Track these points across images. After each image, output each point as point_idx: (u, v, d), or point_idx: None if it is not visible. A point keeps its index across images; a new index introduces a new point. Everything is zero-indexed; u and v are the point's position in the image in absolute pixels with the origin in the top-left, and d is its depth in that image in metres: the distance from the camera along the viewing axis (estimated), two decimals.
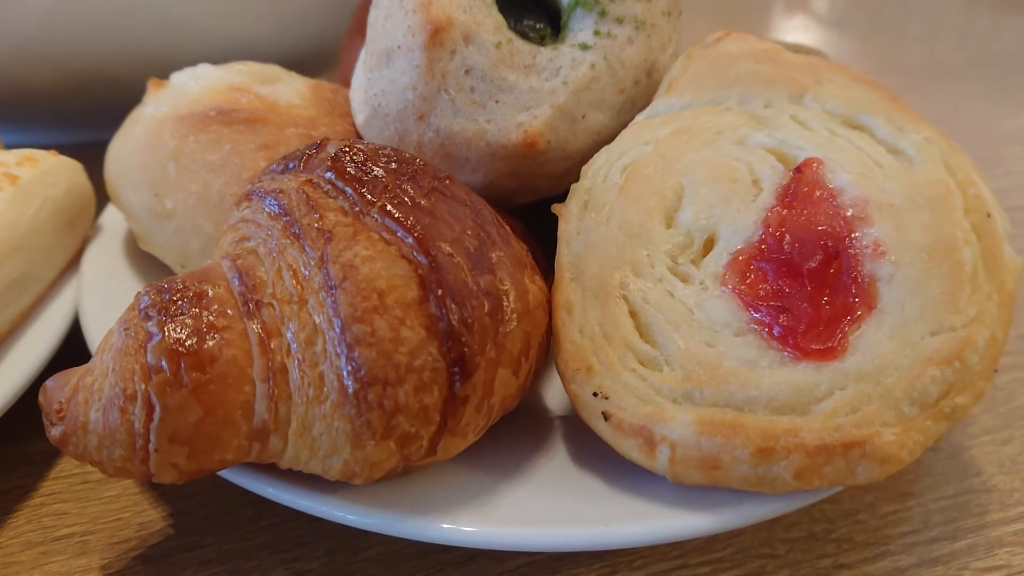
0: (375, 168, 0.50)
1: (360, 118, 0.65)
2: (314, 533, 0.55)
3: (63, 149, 0.98)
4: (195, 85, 0.67)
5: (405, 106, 0.61)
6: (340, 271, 0.45)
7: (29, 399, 0.58)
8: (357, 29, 0.83)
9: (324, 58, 1.08)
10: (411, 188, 0.49)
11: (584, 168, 0.61)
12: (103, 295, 0.64)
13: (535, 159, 0.62)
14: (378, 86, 0.63)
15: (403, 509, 0.48)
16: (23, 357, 0.60)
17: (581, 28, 0.63)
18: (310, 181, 0.49)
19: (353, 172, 0.49)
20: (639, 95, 0.65)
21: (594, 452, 0.53)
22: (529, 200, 0.67)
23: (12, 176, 0.63)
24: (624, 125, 0.64)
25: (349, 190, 0.48)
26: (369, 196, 0.48)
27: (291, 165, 0.52)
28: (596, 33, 0.63)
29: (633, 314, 0.52)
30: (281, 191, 0.49)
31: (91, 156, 0.86)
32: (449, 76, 0.60)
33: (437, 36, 0.60)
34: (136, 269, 0.68)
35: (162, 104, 0.66)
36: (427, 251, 0.46)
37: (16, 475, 0.60)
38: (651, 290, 0.52)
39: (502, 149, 0.61)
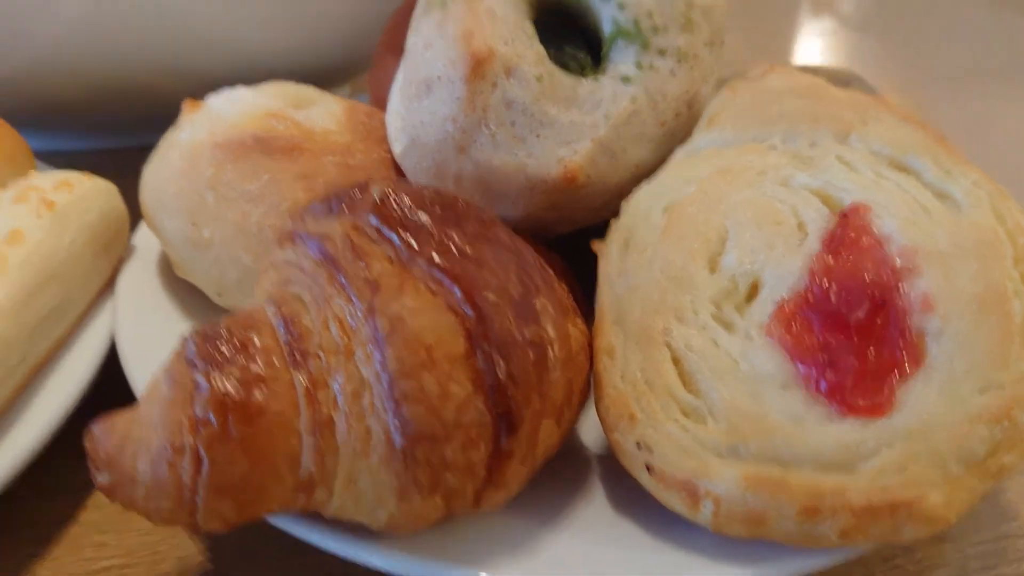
0: (420, 214, 0.49)
1: (398, 147, 0.64)
2: (350, 574, 0.55)
3: (92, 155, 0.99)
4: (232, 110, 0.66)
5: (444, 138, 0.61)
6: (387, 324, 0.45)
7: (66, 425, 0.58)
8: (389, 47, 0.83)
9: (353, 68, 1.08)
10: (456, 235, 0.49)
11: (623, 204, 0.60)
12: (139, 321, 0.64)
13: (574, 193, 0.62)
14: (417, 117, 0.62)
15: (440, 556, 0.48)
16: (62, 386, 0.60)
17: (622, 60, 0.63)
18: (355, 226, 0.49)
19: (398, 218, 0.49)
20: (680, 127, 0.64)
21: (633, 496, 0.53)
22: (566, 231, 0.67)
23: (49, 202, 0.63)
24: (664, 157, 0.64)
25: (395, 237, 0.48)
26: (415, 244, 0.48)
27: (335, 207, 0.51)
28: (638, 66, 0.62)
29: (676, 361, 0.51)
30: (326, 236, 0.49)
31: (120, 163, 0.87)
32: (490, 109, 0.60)
33: (479, 68, 0.59)
34: (171, 292, 0.68)
35: (199, 129, 0.66)
36: (474, 302, 0.46)
37: (55, 503, 0.60)
38: (695, 338, 0.52)
39: (542, 183, 0.61)
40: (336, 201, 0.52)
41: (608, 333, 0.54)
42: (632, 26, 0.62)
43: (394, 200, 0.50)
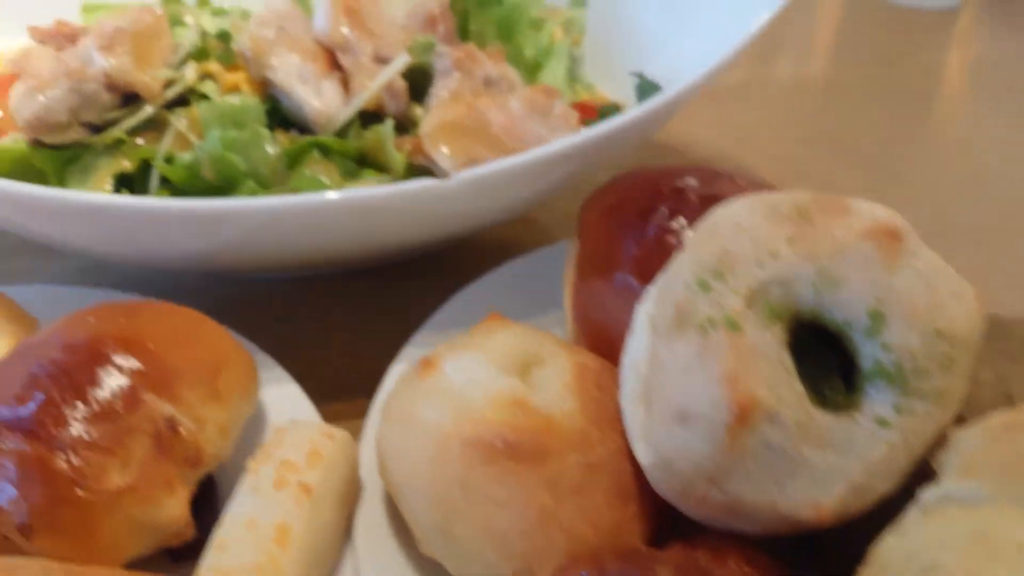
0: None
1: (644, 459, 0.65)
2: None
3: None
4: (473, 393, 0.68)
5: (697, 470, 0.62)
6: None
7: None
8: (593, 267, 0.82)
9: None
10: None
11: (871, 554, 0.61)
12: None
13: (818, 527, 0.63)
14: (669, 443, 0.63)
15: None
16: None
17: (880, 400, 0.63)
18: None
19: None
20: (921, 457, 0.64)
21: None
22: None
23: (306, 486, 0.66)
24: (905, 483, 0.64)
25: None
26: None
27: None
28: (896, 409, 0.62)
29: None
30: None
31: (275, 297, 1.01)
32: (748, 452, 0.61)
33: (744, 419, 0.60)
34: (406, 540, 0.72)
35: (443, 412, 0.68)
36: None
37: None
38: None
39: (790, 519, 0.62)
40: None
41: None
42: (894, 368, 0.62)
43: None
